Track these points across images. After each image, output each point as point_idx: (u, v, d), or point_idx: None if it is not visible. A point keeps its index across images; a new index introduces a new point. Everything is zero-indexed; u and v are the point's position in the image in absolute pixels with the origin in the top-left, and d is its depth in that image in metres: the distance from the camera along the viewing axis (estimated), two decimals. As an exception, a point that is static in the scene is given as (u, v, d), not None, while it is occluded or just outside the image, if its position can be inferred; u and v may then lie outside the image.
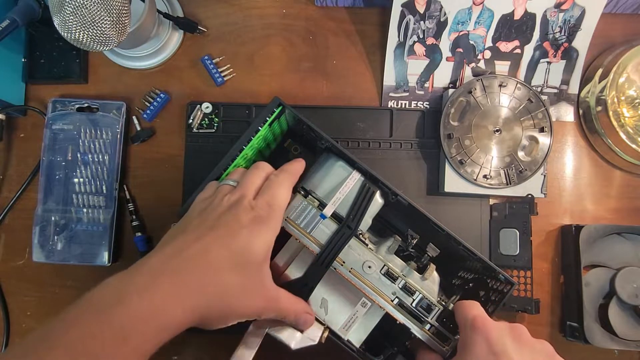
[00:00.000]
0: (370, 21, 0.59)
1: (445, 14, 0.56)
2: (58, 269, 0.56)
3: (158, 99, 0.57)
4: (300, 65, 0.59)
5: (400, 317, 0.41)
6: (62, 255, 0.54)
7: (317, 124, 0.44)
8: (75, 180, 0.55)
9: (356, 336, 0.43)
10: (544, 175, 0.54)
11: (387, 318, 0.42)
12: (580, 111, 0.59)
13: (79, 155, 0.55)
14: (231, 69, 0.58)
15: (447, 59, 0.58)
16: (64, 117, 0.55)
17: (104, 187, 0.55)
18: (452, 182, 0.54)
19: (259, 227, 0.36)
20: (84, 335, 0.29)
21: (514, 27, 0.56)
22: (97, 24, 0.42)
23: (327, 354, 0.43)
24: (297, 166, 0.42)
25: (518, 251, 0.54)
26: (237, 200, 0.37)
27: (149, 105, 0.57)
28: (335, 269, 0.41)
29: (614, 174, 0.59)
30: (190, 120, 0.56)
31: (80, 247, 0.54)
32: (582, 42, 0.57)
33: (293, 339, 0.40)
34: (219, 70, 0.58)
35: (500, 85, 0.54)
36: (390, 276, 0.41)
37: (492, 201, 0.56)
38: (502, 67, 0.58)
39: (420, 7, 0.55)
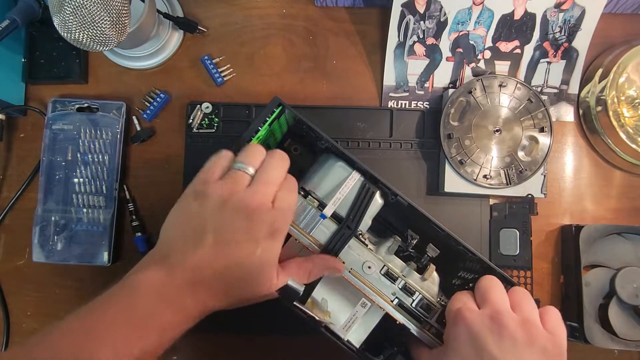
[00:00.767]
0: (370, 21, 0.59)
1: (445, 14, 0.56)
2: (58, 269, 0.56)
3: (158, 99, 0.57)
4: (300, 65, 0.59)
5: (400, 318, 0.41)
6: (62, 255, 0.54)
7: (317, 124, 0.44)
8: (75, 180, 0.55)
9: (356, 336, 0.43)
10: (544, 175, 0.54)
11: (387, 318, 0.42)
12: (580, 111, 0.58)
13: (79, 155, 0.55)
14: (231, 69, 0.58)
15: (447, 59, 0.58)
16: (64, 117, 0.55)
17: (104, 187, 0.55)
18: (452, 182, 0.54)
19: (272, 242, 0.36)
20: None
21: (514, 27, 0.56)
22: (96, 24, 0.42)
23: (328, 354, 0.43)
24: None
25: (518, 251, 0.54)
26: (257, 208, 0.35)
27: (149, 105, 0.57)
28: None
29: (614, 174, 0.58)
30: (190, 120, 0.56)
31: (80, 247, 0.54)
32: (582, 42, 0.57)
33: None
34: (219, 70, 0.58)
35: (500, 85, 0.54)
36: (390, 276, 0.41)
37: (492, 201, 0.56)
38: (502, 67, 0.58)
39: (420, 7, 0.55)
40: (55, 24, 0.42)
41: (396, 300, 0.41)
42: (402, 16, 0.56)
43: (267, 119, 0.44)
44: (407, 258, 0.44)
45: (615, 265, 0.54)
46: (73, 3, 0.41)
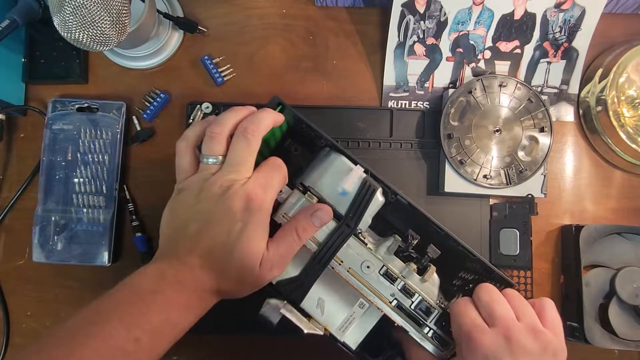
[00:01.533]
0: (370, 21, 0.59)
1: (445, 14, 0.56)
2: (58, 269, 0.56)
3: (158, 99, 0.57)
4: (300, 65, 0.59)
5: (399, 320, 0.41)
6: (62, 255, 0.54)
7: (317, 124, 0.44)
8: (75, 180, 0.55)
9: (352, 338, 0.42)
10: (544, 175, 0.54)
11: (386, 319, 0.42)
12: (580, 111, 0.58)
13: (79, 155, 0.55)
14: (231, 69, 0.58)
15: (447, 59, 0.58)
16: (64, 117, 0.55)
17: (104, 187, 0.55)
18: (452, 182, 0.54)
19: (251, 214, 0.37)
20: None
21: (514, 27, 0.56)
22: (97, 24, 0.42)
23: (328, 354, 0.43)
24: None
25: (518, 251, 0.54)
26: (229, 187, 0.37)
27: (149, 105, 0.57)
28: (332, 268, 0.41)
29: (614, 174, 0.58)
30: (190, 120, 0.56)
31: (80, 247, 0.54)
32: (582, 42, 0.57)
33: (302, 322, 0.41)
34: (219, 70, 0.58)
35: (500, 85, 0.54)
36: (389, 277, 0.41)
37: (492, 201, 0.56)
38: (502, 67, 0.58)
39: (420, 7, 0.55)
40: (55, 23, 0.42)
41: (395, 302, 0.41)
42: (402, 16, 0.56)
43: (267, 118, 0.44)
44: (407, 258, 0.43)
45: (615, 265, 0.54)
46: (73, 3, 0.41)
